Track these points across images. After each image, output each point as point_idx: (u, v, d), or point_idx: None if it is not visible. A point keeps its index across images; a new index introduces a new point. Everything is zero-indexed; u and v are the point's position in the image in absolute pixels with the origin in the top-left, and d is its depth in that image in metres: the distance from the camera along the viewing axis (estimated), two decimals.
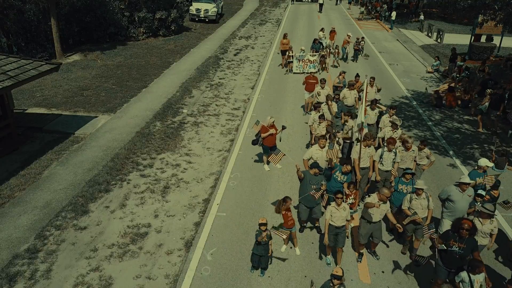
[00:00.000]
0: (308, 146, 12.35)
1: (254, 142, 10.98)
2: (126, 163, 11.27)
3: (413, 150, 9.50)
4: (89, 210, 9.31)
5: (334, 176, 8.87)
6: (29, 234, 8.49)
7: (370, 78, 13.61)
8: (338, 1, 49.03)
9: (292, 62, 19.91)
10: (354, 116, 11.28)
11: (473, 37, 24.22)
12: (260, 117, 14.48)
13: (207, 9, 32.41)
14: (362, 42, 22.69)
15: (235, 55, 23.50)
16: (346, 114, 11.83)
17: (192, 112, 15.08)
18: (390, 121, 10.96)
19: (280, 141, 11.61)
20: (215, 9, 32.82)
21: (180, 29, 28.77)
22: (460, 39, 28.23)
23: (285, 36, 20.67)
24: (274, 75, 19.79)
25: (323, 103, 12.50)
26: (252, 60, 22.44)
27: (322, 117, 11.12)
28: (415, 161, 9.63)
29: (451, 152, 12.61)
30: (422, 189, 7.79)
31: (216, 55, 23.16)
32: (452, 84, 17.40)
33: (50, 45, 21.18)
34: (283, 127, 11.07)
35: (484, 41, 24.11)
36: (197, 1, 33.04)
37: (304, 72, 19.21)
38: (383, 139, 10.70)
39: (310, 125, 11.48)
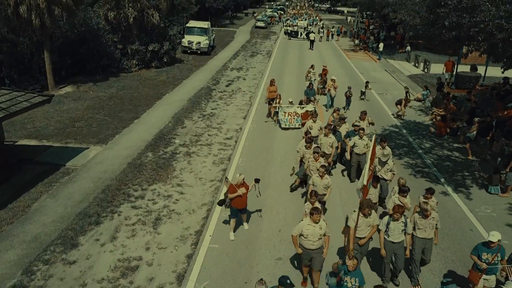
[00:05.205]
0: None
1: (221, 203, 9.49)
2: (117, 195, 11.13)
3: (433, 217, 7.97)
4: (78, 243, 9.11)
5: (343, 283, 6.81)
6: (16, 269, 8.24)
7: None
8: (329, 37, 48.12)
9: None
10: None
11: (458, 67, 24.93)
12: (252, 147, 14.61)
13: (199, 42, 33.12)
14: (369, 87, 21.16)
15: (227, 86, 23.81)
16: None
17: (184, 142, 15.10)
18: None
19: (259, 195, 10.09)
20: (207, 41, 33.57)
21: (172, 60, 29.22)
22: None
23: (272, 83, 18.36)
24: (266, 105, 19.99)
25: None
26: (243, 91, 22.74)
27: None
28: (436, 228, 8.12)
29: (442, 180, 12.70)
30: None
31: (208, 86, 23.44)
32: (443, 112, 17.76)
33: (42, 77, 21.27)
34: (256, 180, 9.68)
35: (469, 70, 24.81)
36: (189, 33, 33.83)
37: (289, 128, 16.62)
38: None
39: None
